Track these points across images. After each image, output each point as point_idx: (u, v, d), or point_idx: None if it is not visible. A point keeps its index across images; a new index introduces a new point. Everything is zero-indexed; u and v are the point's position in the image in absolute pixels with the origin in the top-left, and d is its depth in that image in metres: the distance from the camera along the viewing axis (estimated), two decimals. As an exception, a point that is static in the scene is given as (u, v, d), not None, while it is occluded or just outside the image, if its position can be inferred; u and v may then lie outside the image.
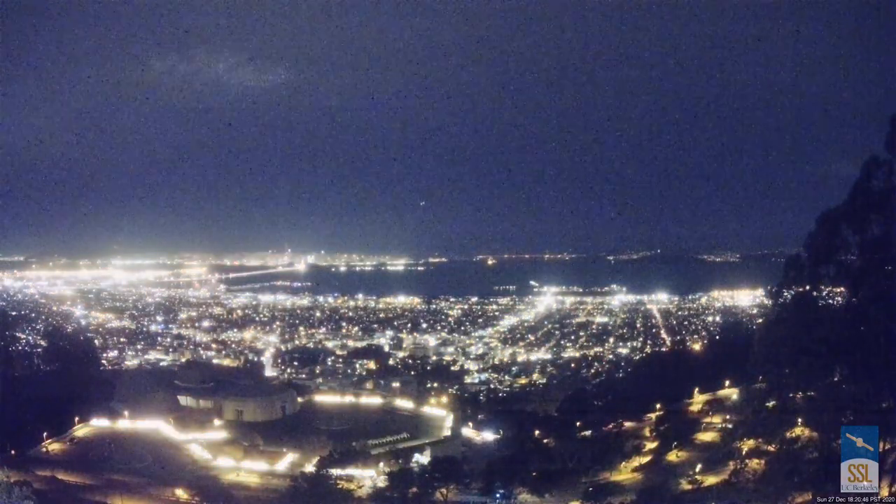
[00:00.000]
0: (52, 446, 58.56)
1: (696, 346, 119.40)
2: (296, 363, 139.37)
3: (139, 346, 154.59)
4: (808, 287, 32.92)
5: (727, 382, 74.50)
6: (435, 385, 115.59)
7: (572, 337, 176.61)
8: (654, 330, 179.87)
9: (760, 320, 72.75)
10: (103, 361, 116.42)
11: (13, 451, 52.99)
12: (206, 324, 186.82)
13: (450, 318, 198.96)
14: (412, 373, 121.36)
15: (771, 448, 36.63)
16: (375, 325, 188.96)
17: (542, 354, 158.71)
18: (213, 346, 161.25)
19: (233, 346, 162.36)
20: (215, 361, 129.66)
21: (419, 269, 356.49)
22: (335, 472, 49.48)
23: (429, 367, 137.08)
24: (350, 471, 51.46)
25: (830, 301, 34.26)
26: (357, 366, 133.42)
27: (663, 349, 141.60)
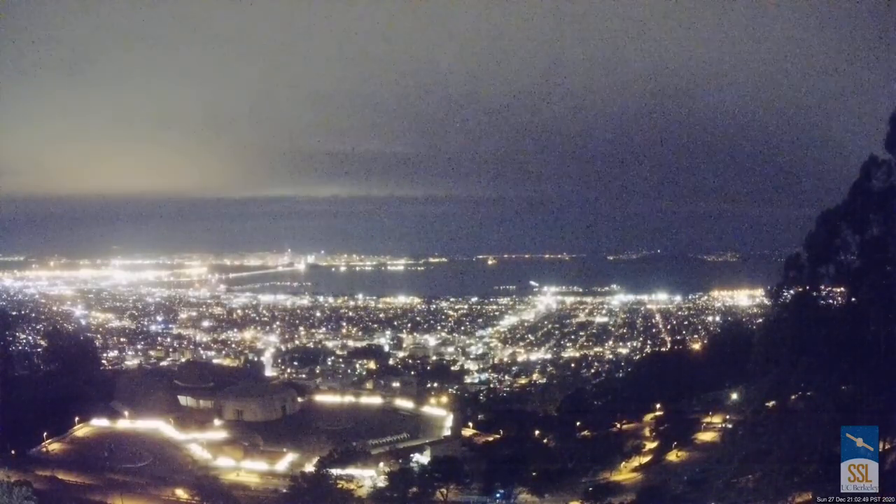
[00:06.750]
0: (52, 446, 58.53)
1: (696, 346, 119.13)
2: (296, 363, 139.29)
3: (139, 346, 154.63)
4: (807, 287, 32.77)
5: (727, 382, 74.38)
6: (435, 385, 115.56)
7: (572, 337, 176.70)
8: (653, 330, 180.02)
9: (760, 320, 72.60)
10: (103, 361, 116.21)
11: (13, 451, 52.96)
12: (206, 324, 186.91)
13: (450, 318, 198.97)
14: (412, 373, 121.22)
15: (771, 448, 36.53)
16: (375, 325, 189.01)
17: (542, 354, 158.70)
18: (213, 346, 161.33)
19: (233, 346, 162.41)
20: (215, 361, 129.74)
21: (419, 269, 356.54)
22: (335, 472, 49.45)
23: (429, 367, 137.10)
24: (350, 471, 51.46)
25: (830, 301, 34.16)
26: (357, 366, 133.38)
27: (663, 349, 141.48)
